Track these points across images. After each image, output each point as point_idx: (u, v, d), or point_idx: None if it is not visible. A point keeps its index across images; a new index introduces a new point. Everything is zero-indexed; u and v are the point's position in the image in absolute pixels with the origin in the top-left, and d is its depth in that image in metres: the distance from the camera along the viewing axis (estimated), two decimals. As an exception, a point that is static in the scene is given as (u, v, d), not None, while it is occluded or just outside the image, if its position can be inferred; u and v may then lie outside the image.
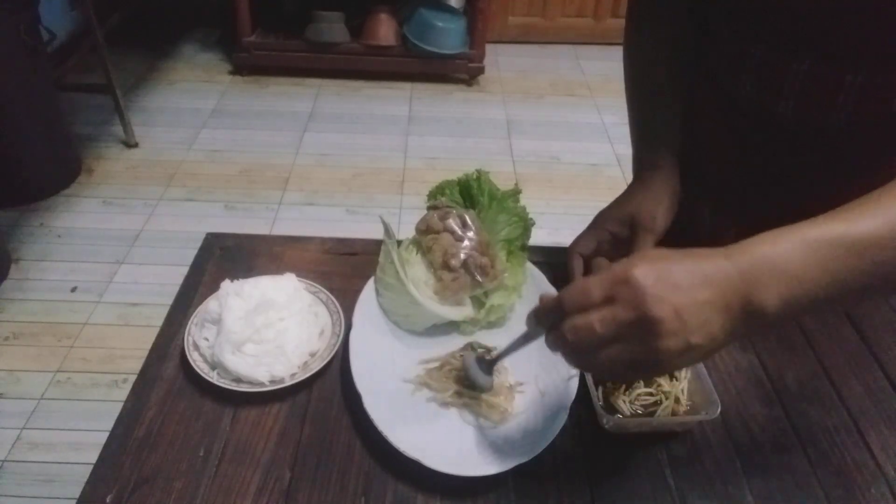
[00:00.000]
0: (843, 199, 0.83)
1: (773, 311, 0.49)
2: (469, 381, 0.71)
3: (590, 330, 0.50)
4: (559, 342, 0.53)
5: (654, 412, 0.71)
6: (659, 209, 0.80)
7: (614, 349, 0.50)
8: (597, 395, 0.71)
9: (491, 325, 0.82)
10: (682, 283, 0.48)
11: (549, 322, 0.54)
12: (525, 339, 0.62)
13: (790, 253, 0.50)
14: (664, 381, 0.72)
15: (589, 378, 0.72)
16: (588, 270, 0.82)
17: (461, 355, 0.75)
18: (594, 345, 0.50)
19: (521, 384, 0.75)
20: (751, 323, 0.50)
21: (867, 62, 0.70)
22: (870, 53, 0.69)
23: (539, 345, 0.79)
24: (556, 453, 0.69)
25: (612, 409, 0.71)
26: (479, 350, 0.76)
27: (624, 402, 0.71)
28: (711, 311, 0.48)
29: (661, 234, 0.80)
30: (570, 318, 0.51)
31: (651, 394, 0.72)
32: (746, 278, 0.49)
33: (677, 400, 0.71)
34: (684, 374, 0.73)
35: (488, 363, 0.71)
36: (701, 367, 0.72)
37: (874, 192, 0.53)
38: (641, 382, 0.72)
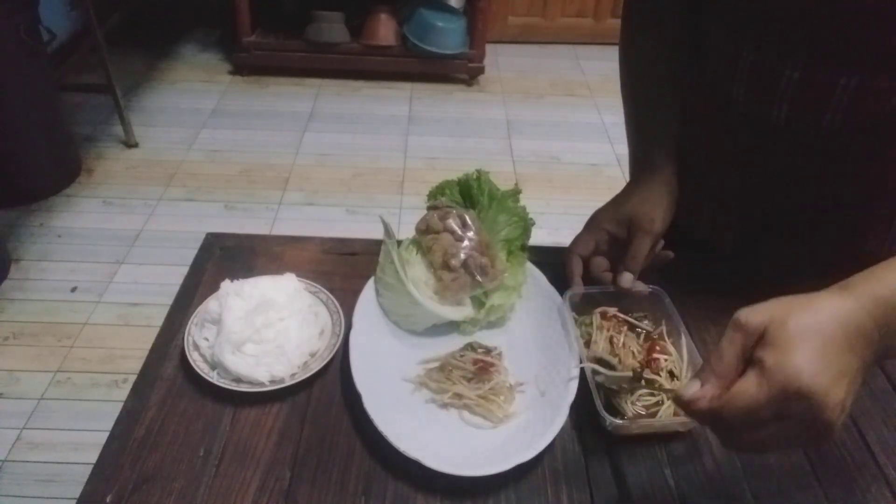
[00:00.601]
0: (840, 198, 0.83)
1: None
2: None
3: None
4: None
5: (656, 412, 0.70)
6: (657, 211, 0.80)
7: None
8: (599, 397, 0.70)
9: (491, 325, 0.82)
10: (839, 369, 0.48)
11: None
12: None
13: None
14: (665, 381, 0.72)
15: (590, 378, 0.72)
16: (587, 271, 0.82)
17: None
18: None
19: (521, 384, 0.75)
20: (879, 363, 0.53)
21: (860, 65, 0.70)
22: (863, 56, 0.69)
23: (539, 345, 0.79)
24: (556, 453, 0.69)
25: (613, 409, 0.71)
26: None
27: (625, 402, 0.71)
28: (860, 373, 0.50)
29: (659, 237, 0.80)
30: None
31: (652, 394, 0.72)
32: (884, 332, 0.50)
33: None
34: (685, 374, 0.73)
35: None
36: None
37: None
38: (643, 383, 0.72)
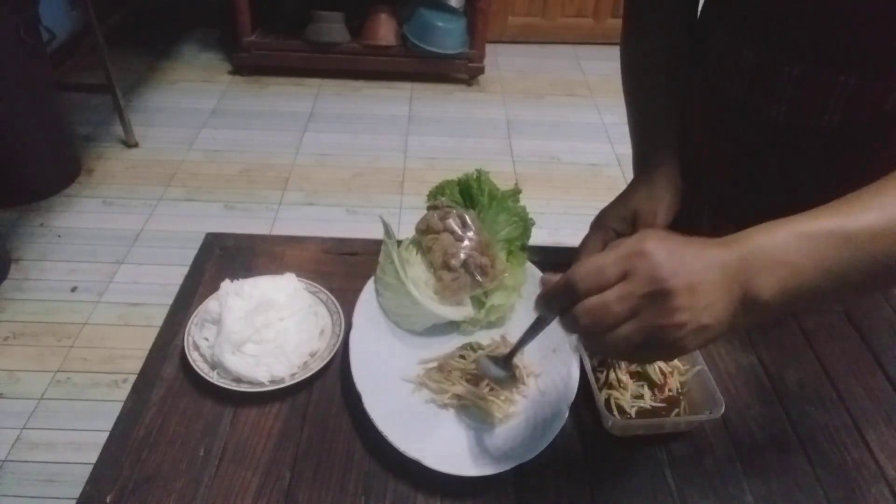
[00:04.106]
0: (838, 197, 0.83)
1: (769, 299, 0.49)
2: (490, 380, 0.70)
3: (607, 309, 0.49)
4: (573, 325, 0.51)
5: (656, 412, 0.71)
6: (660, 206, 0.80)
7: (629, 326, 0.49)
8: (599, 397, 0.71)
9: (491, 325, 0.82)
10: (692, 262, 0.49)
11: (560, 305, 0.52)
12: (536, 327, 0.58)
13: (786, 244, 0.50)
14: (657, 377, 0.72)
15: (591, 379, 0.72)
16: None
17: (474, 360, 0.73)
18: (610, 324, 0.49)
19: (521, 384, 0.75)
20: (749, 312, 0.50)
21: (860, 64, 0.70)
22: (862, 56, 0.70)
23: (539, 344, 0.79)
24: (556, 453, 0.69)
25: (613, 409, 0.71)
26: (488, 348, 0.76)
27: (626, 402, 0.71)
28: (718, 293, 0.49)
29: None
30: (586, 300, 0.49)
31: (654, 394, 0.72)
32: (744, 265, 0.49)
33: (680, 395, 0.71)
34: (683, 369, 0.73)
35: (504, 358, 0.67)
36: (704, 366, 0.72)
37: (872, 185, 0.54)
38: (644, 385, 0.72)
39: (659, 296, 0.48)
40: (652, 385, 0.72)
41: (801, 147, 0.79)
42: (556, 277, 0.52)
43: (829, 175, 0.81)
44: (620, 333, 0.49)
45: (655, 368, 0.73)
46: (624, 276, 0.49)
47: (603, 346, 0.51)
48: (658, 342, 0.49)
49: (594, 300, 0.49)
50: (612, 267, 0.49)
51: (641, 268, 0.48)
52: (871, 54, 0.69)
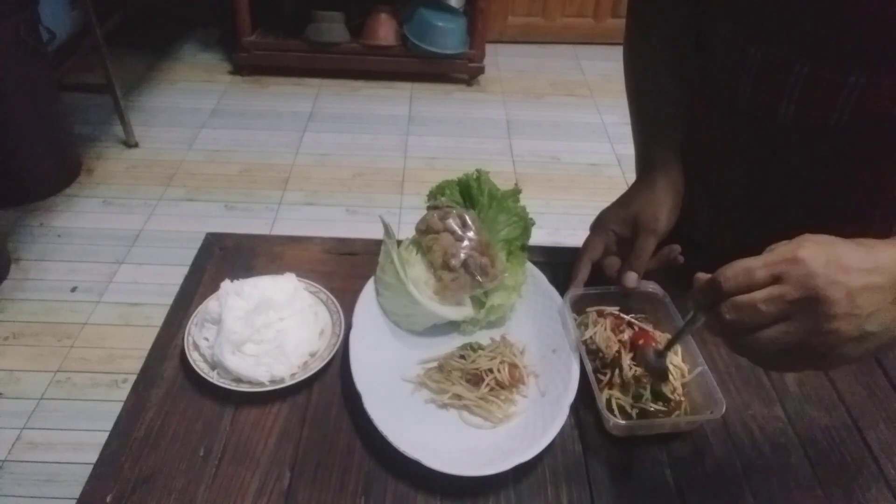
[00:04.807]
0: (843, 199, 0.82)
1: None
2: (650, 371, 0.71)
3: (753, 307, 0.47)
4: (718, 322, 0.50)
5: (657, 413, 0.70)
6: (662, 210, 0.80)
7: (778, 329, 0.47)
8: (601, 398, 0.70)
9: (491, 325, 0.82)
10: (853, 267, 0.47)
11: (705, 303, 0.52)
12: (690, 324, 0.61)
13: None
14: (669, 392, 0.72)
15: (592, 379, 0.72)
16: (600, 272, 0.82)
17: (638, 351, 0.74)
18: (756, 324, 0.48)
19: (521, 384, 0.75)
20: None
21: (869, 64, 0.69)
22: (872, 55, 0.69)
23: (539, 344, 0.79)
24: (556, 453, 0.69)
25: (614, 409, 0.71)
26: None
27: (627, 403, 0.71)
28: (885, 298, 0.47)
29: (663, 236, 0.80)
30: (733, 298, 0.48)
31: (658, 398, 0.72)
32: None
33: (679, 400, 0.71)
34: (687, 373, 0.73)
35: (658, 353, 0.70)
36: (704, 367, 0.72)
37: None
38: (648, 388, 0.72)
39: (813, 302, 0.46)
40: (663, 399, 0.71)
41: (808, 146, 0.79)
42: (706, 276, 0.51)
43: (834, 175, 0.80)
44: (767, 335, 0.48)
45: (671, 383, 0.72)
46: (774, 281, 0.47)
47: (746, 346, 0.50)
48: (810, 349, 0.48)
49: (741, 297, 0.48)
50: (761, 270, 0.48)
51: (795, 274, 0.47)
52: (881, 53, 0.69)
